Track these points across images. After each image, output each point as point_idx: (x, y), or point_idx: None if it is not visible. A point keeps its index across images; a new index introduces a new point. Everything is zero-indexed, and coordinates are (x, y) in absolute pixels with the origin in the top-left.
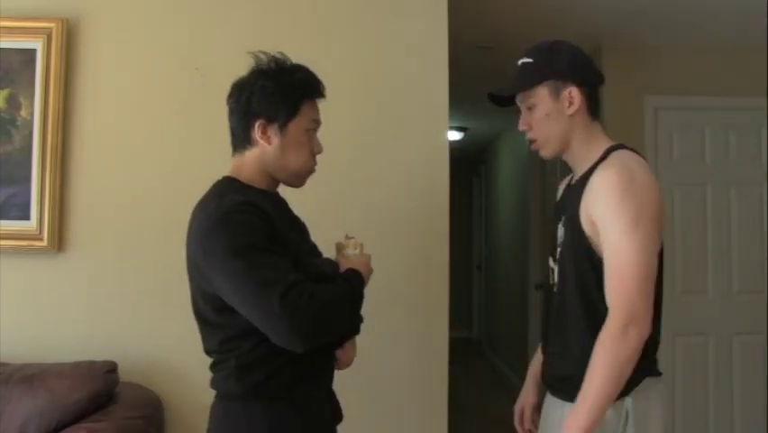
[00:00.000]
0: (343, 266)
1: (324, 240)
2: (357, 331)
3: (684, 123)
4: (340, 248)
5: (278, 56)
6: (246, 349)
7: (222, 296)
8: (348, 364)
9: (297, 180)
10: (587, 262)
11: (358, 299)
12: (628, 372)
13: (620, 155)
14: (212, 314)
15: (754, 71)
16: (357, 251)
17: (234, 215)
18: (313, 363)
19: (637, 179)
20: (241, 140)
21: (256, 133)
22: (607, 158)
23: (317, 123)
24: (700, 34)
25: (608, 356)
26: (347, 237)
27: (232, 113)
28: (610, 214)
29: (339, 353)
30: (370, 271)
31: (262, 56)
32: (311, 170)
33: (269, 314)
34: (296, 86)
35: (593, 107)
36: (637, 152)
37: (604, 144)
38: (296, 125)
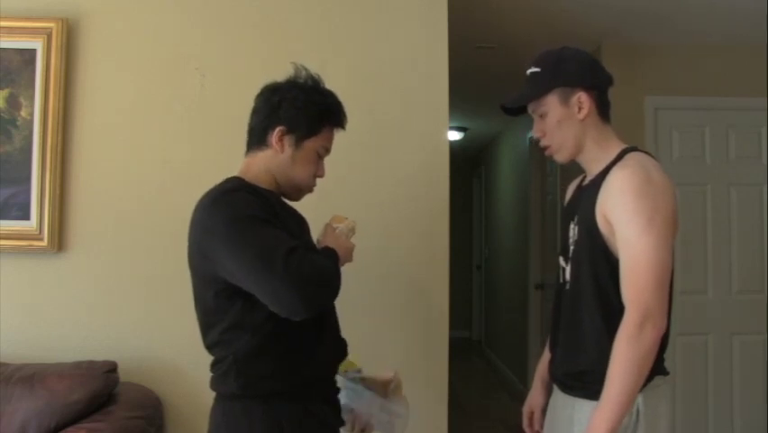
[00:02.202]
0: (328, 237)
1: None
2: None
3: (684, 123)
4: (336, 220)
5: (316, 76)
6: (244, 342)
7: (223, 273)
8: None
9: (296, 194)
10: (602, 260)
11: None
12: (647, 368)
13: (636, 156)
14: (212, 300)
15: (754, 71)
16: (349, 233)
17: (234, 193)
18: (313, 360)
19: (653, 179)
20: (257, 139)
21: (273, 137)
22: (622, 159)
23: (328, 151)
24: (700, 34)
25: (625, 354)
26: (346, 218)
27: (256, 111)
28: (626, 213)
29: None
30: (350, 259)
31: (303, 71)
32: (309, 189)
33: (271, 277)
34: (324, 108)
35: (603, 110)
36: (651, 155)
37: (617, 146)
38: (311, 144)
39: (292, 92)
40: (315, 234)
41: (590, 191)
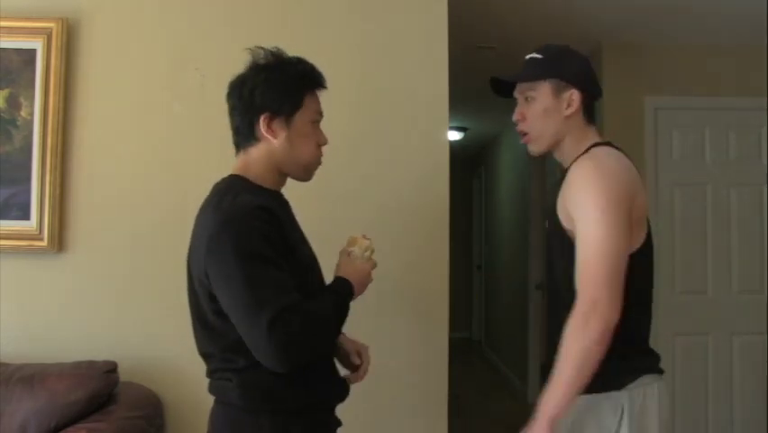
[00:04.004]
0: (342, 266)
1: (323, 240)
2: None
3: (684, 123)
4: (351, 243)
5: (275, 50)
6: (243, 365)
7: (218, 297)
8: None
9: (306, 174)
10: (570, 257)
11: (343, 316)
12: (594, 359)
13: (595, 150)
14: (211, 316)
15: (754, 71)
16: (367, 254)
17: (246, 219)
18: (315, 390)
19: (604, 168)
20: (245, 137)
21: (261, 127)
22: (585, 154)
23: (321, 114)
24: (700, 34)
25: (572, 346)
26: (364, 236)
27: (233, 110)
28: (580, 206)
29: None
30: (369, 279)
31: (260, 50)
32: (318, 162)
33: (255, 335)
34: (298, 77)
35: (588, 113)
36: (619, 149)
37: (591, 143)
38: (301, 117)
39: (260, 75)
40: (316, 236)
41: (557, 188)
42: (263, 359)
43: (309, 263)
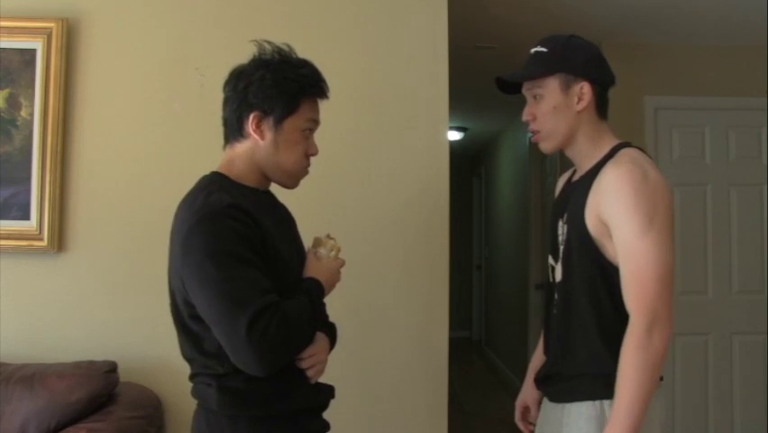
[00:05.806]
0: (310, 266)
1: None
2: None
3: (684, 123)
4: (316, 244)
5: (284, 47)
6: (222, 372)
7: (193, 300)
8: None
9: (289, 180)
10: (593, 262)
11: (317, 316)
12: (658, 374)
13: (629, 153)
14: (189, 320)
15: (754, 71)
16: (332, 253)
17: (219, 217)
18: (298, 393)
19: (649, 177)
20: (233, 131)
21: (250, 125)
22: (614, 155)
23: (316, 123)
24: (701, 34)
25: (636, 362)
26: (328, 236)
27: (227, 101)
28: (625, 213)
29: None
30: (337, 279)
31: (267, 45)
32: (304, 172)
33: (234, 337)
34: (297, 81)
35: (602, 107)
36: (643, 151)
37: (610, 143)
38: (292, 123)
39: (258, 72)
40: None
41: (580, 189)
42: (242, 362)
43: (290, 263)
